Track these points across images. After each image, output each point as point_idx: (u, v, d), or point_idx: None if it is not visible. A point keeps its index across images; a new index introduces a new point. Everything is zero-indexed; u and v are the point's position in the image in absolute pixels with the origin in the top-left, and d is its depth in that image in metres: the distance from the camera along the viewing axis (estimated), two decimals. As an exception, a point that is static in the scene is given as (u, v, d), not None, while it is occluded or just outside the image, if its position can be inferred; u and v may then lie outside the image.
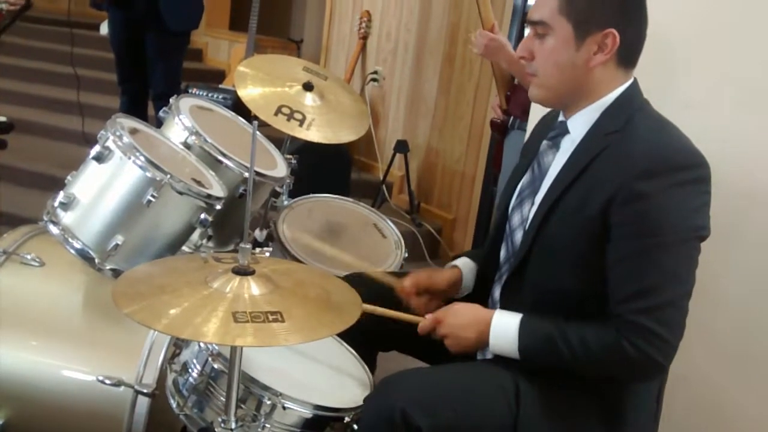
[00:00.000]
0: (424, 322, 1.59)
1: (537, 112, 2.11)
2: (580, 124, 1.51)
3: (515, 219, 1.62)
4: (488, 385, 1.47)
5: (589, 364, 1.42)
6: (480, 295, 1.72)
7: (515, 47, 3.40)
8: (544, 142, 1.60)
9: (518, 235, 1.60)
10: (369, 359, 1.77)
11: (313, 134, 2.22)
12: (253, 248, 2.18)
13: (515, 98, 2.74)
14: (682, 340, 1.38)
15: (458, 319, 1.55)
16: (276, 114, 2.19)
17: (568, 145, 1.54)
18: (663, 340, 1.34)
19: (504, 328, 1.48)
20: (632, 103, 1.48)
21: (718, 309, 1.84)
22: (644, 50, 1.49)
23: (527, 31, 1.53)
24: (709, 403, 1.93)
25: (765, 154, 1.78)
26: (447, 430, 1.40)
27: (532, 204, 1.57)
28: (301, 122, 2.21)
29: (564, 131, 1.55)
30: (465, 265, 1.79)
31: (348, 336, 1.73)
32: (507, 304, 1.58)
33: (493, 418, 1.44)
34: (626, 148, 1.41)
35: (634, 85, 1.50)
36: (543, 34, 1.47)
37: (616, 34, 1.42)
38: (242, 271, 1.29)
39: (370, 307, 1.59)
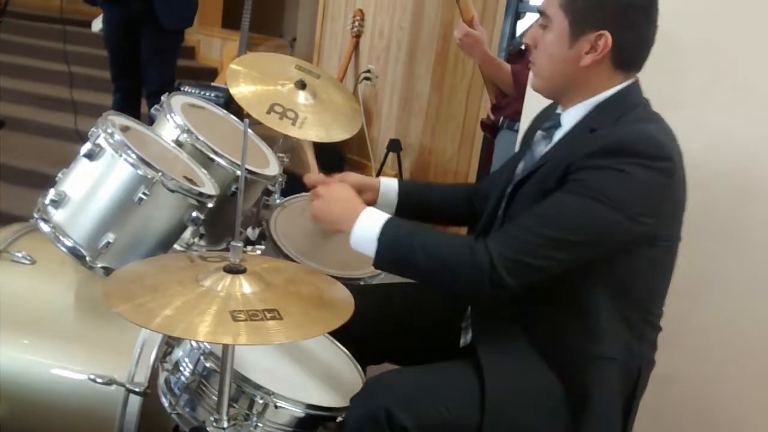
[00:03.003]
0: (311, 176, 1.67)
1: (529, 110, 2.11)
2: (572, 117, 1.52)
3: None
4: (474, 385, 1.47)
5: (434, 265, 1.41)
6: None
7: (509, 42, 3.42)
8: (539, 132, 1.62)
9: None
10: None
11: (306, 133, 2.21)
12: (245, 246, 2.18)
13: (508, 101, 2.73)
14: (524, 286, 1.37)
15: (338, 193, 1.58)
16: (268, 112, 2.18)
17: (558, 137, 1.55)
18: (498, 277, 1.34)
19: (371, 220, 1.49)
20: (626, 101, 1.48)
21: (709, 308, 1.84)
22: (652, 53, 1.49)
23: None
24: (698, 403, 1.93)
25: (756, 153, 1.78)
26: (433, 430, 1.40)
27: None
28: (294, 121, 2.20)
29: (557, 123, 1.56)
30: (388, 185, 1.82)
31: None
32: None
33: (479, 417, 1.43)
34: (596, 136, 1.42)
35: (633, 85, 1.50)
36: (545, 25, 1.49)
37: (609, 36, 1.42)
38: (234, 270, 1.29)
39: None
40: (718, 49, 1.82)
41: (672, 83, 1.85)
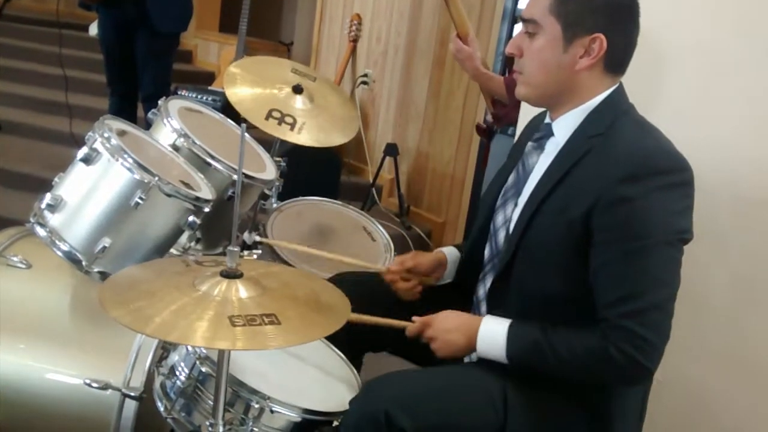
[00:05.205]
0: (413, 326, 1.60)
1: (524, 115, 2.12)
2: (564, 126, 1.52)
3: (499, 219, 1.63)
4: (474, 388, 1.47)
5: (575, 370, 1.43)
6: (464, 292, 1.73)
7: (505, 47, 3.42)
8: (529, 144, 1.61)
9: (501, 235, 1.60)
10: (356, 359, 1.77)
11: (305, 138, 2.21)
12: (242, 251, 2.18)
13: (506, 110, 2.74)
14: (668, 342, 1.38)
15: (446, 323, 1.55)
16: (267, 118, 2.18)
17: (552, 148, 1.54)
18: (649, 343, 1.34)
19: (492, 334, 1.49)
20: (617, 106, 1.49)
21: (703, 312, 1.85)
22: (635, 57, 1.49)
23: (515, 30, 1.54)
24: (692, 406, 1.94)
25: (751, 160, 1.79)
26: None
27: (515, 205, 1.58)
28: (293, 126, 2.21)
29: (549, 133, 1.55)
30: (451, 253, 1.82)
31: (337, 337, 1.73)
32: (494, 308, 1.58)
33: (478, 421, 1.44)
34: (609, 152, 1.42)
35: (620, 89, 1.51)
36: (533, 32, 1.48)
37: (604, 39, 1.42)
38: (230, 274, 1.28)
39: (356, 316, 1.59)
40: (714, 57, 1.83)
41: (668, 91, 1.86)
